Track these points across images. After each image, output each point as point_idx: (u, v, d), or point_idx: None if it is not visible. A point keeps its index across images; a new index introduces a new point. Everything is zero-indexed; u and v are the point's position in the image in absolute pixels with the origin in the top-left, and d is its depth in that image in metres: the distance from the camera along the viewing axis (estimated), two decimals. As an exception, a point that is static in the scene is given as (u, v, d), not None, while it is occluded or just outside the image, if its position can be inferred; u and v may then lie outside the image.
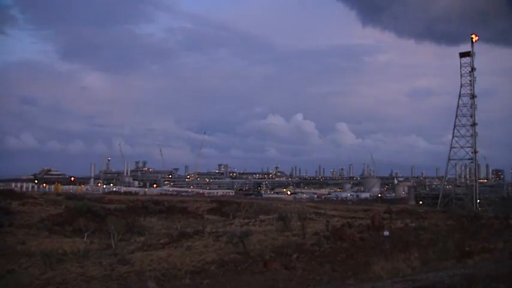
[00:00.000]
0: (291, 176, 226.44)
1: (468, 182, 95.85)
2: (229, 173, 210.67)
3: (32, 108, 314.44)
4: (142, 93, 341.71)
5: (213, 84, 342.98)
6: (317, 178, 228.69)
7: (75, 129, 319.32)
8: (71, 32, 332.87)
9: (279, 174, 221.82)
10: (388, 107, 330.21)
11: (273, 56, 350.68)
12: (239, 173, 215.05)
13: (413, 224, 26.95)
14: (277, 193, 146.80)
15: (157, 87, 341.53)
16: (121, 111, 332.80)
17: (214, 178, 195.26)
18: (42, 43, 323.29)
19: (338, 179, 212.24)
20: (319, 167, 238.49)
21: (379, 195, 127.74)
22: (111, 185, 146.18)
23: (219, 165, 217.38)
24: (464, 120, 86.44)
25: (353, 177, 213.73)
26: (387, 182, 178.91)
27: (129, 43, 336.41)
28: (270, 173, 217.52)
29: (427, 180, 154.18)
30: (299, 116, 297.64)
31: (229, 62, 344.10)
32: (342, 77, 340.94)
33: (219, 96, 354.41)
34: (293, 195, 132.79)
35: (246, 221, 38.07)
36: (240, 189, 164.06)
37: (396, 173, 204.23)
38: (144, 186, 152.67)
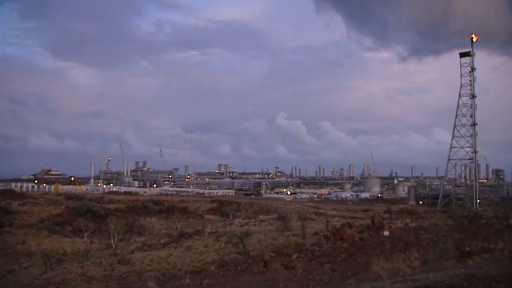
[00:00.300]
0: (291, 176, 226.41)
1: (468, 182, 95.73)
2: (229, 173, 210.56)
3: (22, 107, 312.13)
4: (137, 90, 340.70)
5: (206, 82, 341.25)
6: (317, 178, 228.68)
7: (70, 128, 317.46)
8: (55, 25, 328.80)
9: (279, 174, 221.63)
10: (389, 106, 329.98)
11: (268, 52, 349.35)
12: (239, 173, 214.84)
13: (413, 224, 27.00)
14: (277, 193, 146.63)
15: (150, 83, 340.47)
16: (115, 110, 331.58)
17: (214, 178, 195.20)
18: (24, 37, 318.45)
19: (338, 179, 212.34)
20: (319, 167, 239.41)
21: (379, 195, 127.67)
22: (111, 185, 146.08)
23: (219, 165, 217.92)
24: (464, 120, 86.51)
25: (353, 177, 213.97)
26: (387, 182, 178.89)
27: (121, 38, 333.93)
28: (270, 173, 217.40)
29: (427, 180, 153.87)
30: (299, 116, 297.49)
31: (221, 57, 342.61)
32: (341, 75, 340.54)
33: (214, 94, 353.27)
34: (293, 195, 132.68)
35: (246, 221, 38.15)
36: (240, 189, 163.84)
37: (396, 173, 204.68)
38: (144, 186, 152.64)
